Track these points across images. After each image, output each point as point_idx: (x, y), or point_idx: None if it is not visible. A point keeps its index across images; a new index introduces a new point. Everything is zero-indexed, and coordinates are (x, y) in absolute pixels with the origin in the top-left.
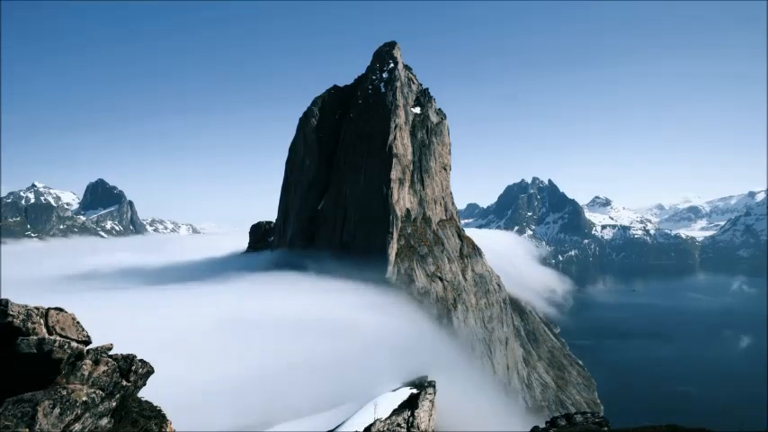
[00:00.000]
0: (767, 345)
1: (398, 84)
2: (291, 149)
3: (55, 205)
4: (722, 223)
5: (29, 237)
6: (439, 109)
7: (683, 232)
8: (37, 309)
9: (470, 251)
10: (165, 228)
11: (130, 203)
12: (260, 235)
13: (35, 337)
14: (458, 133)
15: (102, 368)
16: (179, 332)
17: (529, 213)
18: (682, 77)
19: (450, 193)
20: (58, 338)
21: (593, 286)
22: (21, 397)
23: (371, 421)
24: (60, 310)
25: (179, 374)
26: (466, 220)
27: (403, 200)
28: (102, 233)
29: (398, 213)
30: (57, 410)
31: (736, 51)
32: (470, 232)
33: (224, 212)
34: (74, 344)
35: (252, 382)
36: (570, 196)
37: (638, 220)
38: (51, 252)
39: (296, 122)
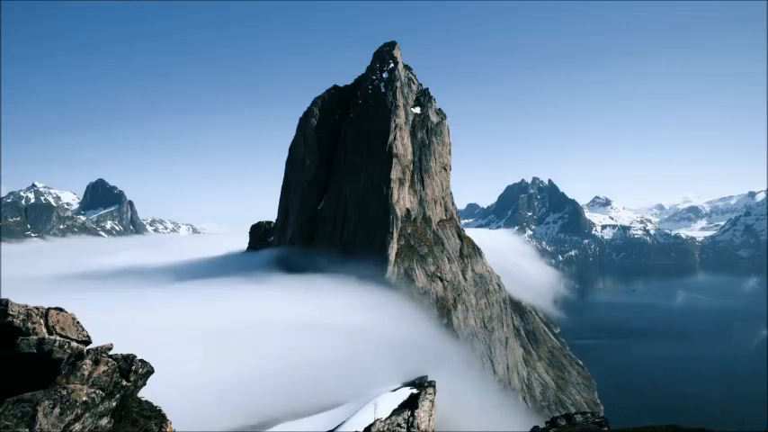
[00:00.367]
0: (767, 345)
1: (398, 84)
2: (291, 149)
3: (55, 205)
4: (722, 223)
5: (29, 237)
6: (439, 109)
7: (683, 232)
8: (37, 309)
9: (470, 251)
10: (165, 228)
11: (130, 203)
12: (260, 235)
13: (35, 337)
14: (458, 133)
15: (102, 368)
16: (179, 332)
17: (529, 213)
18: (682, 77)
19: (450, 193)
20: (58, 338)
21: (593, 286)
22: (21, 397)
23: (371, 421)
24: (60, 310)
25: (179, 374)
26: (466, 220)
27: (403, 200)
28: (102, 233)
29: (398, 213)
30: (57, 410)
31: (736, 51)
32: (470, 232)
33: (224, 212)
34: (74, 344)
35: (252, 382)
36: (570, 196)
37: (638, 220)
38: (51, 252)
39: (296, 122)
